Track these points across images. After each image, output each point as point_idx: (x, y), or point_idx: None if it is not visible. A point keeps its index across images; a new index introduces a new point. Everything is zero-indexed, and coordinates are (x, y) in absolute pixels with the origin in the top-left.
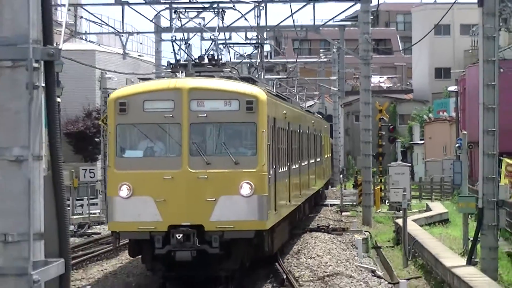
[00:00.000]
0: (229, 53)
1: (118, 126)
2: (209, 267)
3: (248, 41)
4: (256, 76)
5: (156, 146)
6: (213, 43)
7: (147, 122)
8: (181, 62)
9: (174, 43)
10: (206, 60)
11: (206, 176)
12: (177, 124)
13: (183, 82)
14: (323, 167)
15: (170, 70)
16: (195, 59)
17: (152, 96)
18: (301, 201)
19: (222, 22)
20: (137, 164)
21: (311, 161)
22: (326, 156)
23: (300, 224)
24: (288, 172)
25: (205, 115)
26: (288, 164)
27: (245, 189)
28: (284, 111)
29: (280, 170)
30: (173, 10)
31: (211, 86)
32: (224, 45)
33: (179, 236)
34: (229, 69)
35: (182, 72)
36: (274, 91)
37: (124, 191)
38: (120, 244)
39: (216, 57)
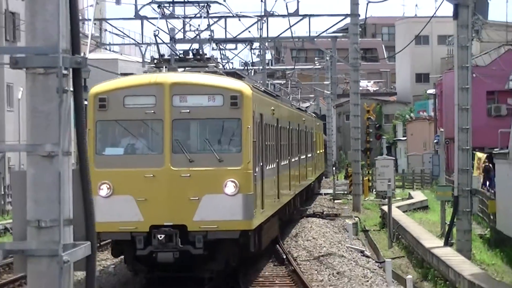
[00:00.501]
0: (220, 51)
1: (97, 123)
2: (193, 268)
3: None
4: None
5: (137, 143)
6: (197, 36)
7: (128, 119)
8: (165, 57)
9: (157, 38)
10: (191, 55)
11: (189, 175)
12: (159, 121)
13: (165, 77)
14: (314, 162)
15: (154, 65)
16: (180, 54)
17: (133, 91)
18: (291, 196)
19: (208, 18)
20: (117, 162)
21: (302, 157)
22: (319, 151)
23: (292, 215)
24: (277, 168)
25: (188, 111)
26: (277, 160)
27: (230, 188)
28: (272, 108)
29: (268, 167)
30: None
31: (194, 80)
32: (216, 44)
33: (160, 236)
34: (214, 64)
35: (166, 67)
36: (263, 87)
37: (104, 190)
38: (102, 243)
39: (201, 52)
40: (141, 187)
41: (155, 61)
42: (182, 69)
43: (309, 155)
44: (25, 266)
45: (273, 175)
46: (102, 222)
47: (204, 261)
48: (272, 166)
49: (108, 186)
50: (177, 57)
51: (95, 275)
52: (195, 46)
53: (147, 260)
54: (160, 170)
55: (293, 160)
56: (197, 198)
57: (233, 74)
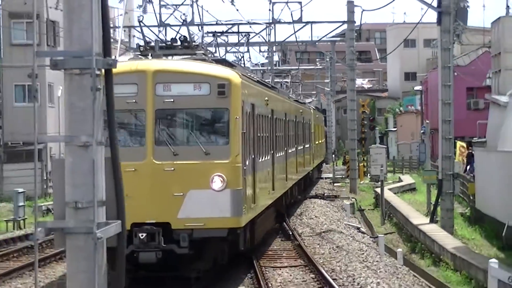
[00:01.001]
0: (216, 41)
1: None
2: (179, 268)
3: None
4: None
5: (118, 135)
6: (184, 22)
7: None
8: (152, 44)
9: (141, 23)
10: (178, 43)
11: (172, 168)
12: (141, 111)
13: (148, 64)
14: (312, 152)
15: (139, 53)
16: (167, 41)
17: (114, 79)
18: (288, 186)
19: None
20: None
21: (300, 147)
22: (320, 141)
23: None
24: (272, 160)
25: (172, 100)
26: (272, 152)
27: (217, 183)
28: (266, 98)
29: (261, 159)
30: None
31: (178, 68)
32: (212, 35)
33: (142, 235)
34: (202, 52)
35: (151, 54)
36: (257, 78)
37: None
38: None
39: (188, 39)
40: None
41: (141, 48)
42: (170, 57)
43: (307, 145)
44: (64, 242)
45: (267, 167)
46: None
47: (190, 260)
48: (266, 158)
49: None
50: (164, 44)
51: (125, 251)
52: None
53: (129, 259)
54: (142, 163)
55: (290, 151)
56: (181, 194)
57: (223, 61)
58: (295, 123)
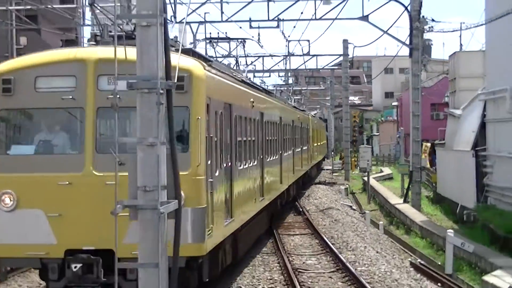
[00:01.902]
0: (214, 48)
1: (0, 112)
2: None
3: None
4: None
5: (52, 140)
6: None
7: (40, 107)
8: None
9: (93, 6)
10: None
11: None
12: (79, 109)
13: (89, 52)
14: (310, 153)
15: (94, 43)
16: (129, 31)
17: (47, 70)
18: (283, 188)
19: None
20: (25, 164)
21: (297, 150)
22: (320, 143)
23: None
24: (262, 165)
25: (118, 96)
26: (261, 157)
27: None
28: (252, 100)
29: (242, 166)
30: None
31: (127, 56)
32: (209, 42)
33: (76, 266)
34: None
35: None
36: (241, 77)
37: (5, 202)
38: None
39: None
40: (54, 199)
41: (97, 38)
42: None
43: (305, 147)
44: (137, 216)
45: (253, 174)
46: (3, 245)
47: None
48: (252, 164)
49: (11, 197)
50: (124, 33)
51: (181, 223)
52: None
53: None
54: (79, 175)
55: (285, 154)
56: (127, 214)
57: (188, 51)
58: (292, 127)
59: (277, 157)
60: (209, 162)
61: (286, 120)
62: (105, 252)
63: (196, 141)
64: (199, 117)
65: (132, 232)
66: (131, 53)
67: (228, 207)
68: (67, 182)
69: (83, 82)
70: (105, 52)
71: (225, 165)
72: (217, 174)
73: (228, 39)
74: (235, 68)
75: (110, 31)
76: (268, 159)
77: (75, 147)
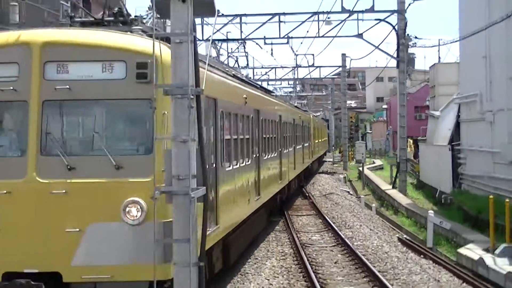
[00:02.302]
0: (217, 50)
1: None
2: None
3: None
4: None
5: None
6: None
7: None
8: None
9: None
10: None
11: (64, 191)
12: (22, 103)
13: (34, 34)
14: (312, 149)
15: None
16: (100, 18)
17: None
18: (283, 184)
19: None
20: None
21: (298, 146)
22: (321, 139)
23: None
24: (257, 163)
25: (68, 87)
26: (257, 155)
27: (132, 213)
28: (245, 96)
29: (231, 167)
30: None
31: (80, 39)
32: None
33: None
34: (140, 28)
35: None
36: (233, 72)
37: None
38: None
39: (125, 13)
40: None
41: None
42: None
43: (306, 144)
44: (172, 200)
45: (245, 174)
46: None
47: None
48: (245, 163)
49: None
50: (92, 19)
51: (208, 207)
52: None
53: None
54: (20, 183)
55: (286, 151)
56: (77, 229)
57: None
58: (293, 125)
59: (275, 154)
60: None
61: (287, 118)
62: (50, 275)
63: (161, 141)
64: (165, 112)
65: (82, 252)
66: (83, 36)
67: (213, 214)
68: (5, 191)
69: (27, 70)
70: (52, 34)
71: (214, 165)
72: None
73: (228, 40)
74: (235, 67)
75: (72, 15)
76: (266, 157)
77: (15, 148)
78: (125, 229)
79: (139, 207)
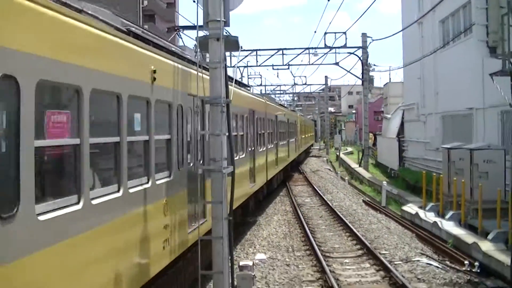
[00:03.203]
0: (240, 74)
1: None
2: None
3: (286, 93)
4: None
5: None
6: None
7: None
8: None
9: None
10: None
11: None
12: None
13: None
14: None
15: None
16: None
17: None
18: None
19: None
20: None
21: (282, 142)
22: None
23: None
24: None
25: None
26: (276, 143)
27: None
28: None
29: (261, 150)
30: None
31: None
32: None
33: None
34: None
35: None
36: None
37: None
38: None
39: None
40: None
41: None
42: None
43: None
44: (210, 175)
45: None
46: None
47: None
48: (268, 147)
49: None
50: None
51: (235, 180)
52: None
53: None
54: None
55: (260, 149)
56: None
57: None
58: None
59: (285, 142)
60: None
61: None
62: None
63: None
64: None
65: None
66: None
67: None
68: None
69: None
70: None
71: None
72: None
73: (247, 66)
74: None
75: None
76: (281, 144)
77: None
78: None
79: None
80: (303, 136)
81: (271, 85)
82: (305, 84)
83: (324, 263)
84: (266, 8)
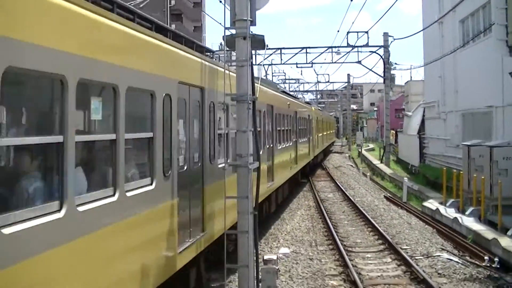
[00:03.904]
0: (265, 71)
1: None
2: None
3: (307, 91)
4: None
5: None
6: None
7: None
8: None
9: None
10: None
11: None
12: None
13: None
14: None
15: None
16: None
17: None
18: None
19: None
20: None
21: (320, 134)
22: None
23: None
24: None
25: None
26: (294, 140)
27: None
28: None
29: (280, 147)
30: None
31: None
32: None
33: None
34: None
35: None
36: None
37: None
38: None
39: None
40: None
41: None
42: None
43: (305, 139)
44: (236, 169)
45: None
46: None
47: None
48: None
49: None
50: None
51: (260, 175)
52: None
53: None
54: None
55: (320, 134)
56: None
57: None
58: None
59: (306, 139)
60: None
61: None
62: None
63: None
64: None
65: None
66: None
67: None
68: None
69: None
70: None
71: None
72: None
73: (272, 64)
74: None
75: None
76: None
77: None
78: None
79: None
80: (321, 134)
81: (295, 83)
82: (328, 82)
83: (346, 257)
84: (288, 8)
